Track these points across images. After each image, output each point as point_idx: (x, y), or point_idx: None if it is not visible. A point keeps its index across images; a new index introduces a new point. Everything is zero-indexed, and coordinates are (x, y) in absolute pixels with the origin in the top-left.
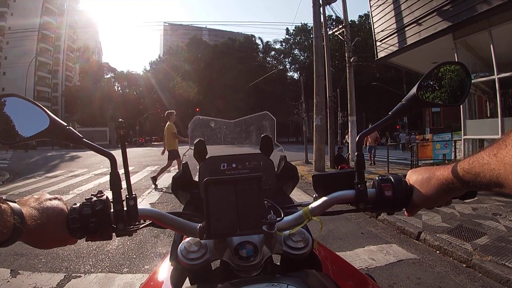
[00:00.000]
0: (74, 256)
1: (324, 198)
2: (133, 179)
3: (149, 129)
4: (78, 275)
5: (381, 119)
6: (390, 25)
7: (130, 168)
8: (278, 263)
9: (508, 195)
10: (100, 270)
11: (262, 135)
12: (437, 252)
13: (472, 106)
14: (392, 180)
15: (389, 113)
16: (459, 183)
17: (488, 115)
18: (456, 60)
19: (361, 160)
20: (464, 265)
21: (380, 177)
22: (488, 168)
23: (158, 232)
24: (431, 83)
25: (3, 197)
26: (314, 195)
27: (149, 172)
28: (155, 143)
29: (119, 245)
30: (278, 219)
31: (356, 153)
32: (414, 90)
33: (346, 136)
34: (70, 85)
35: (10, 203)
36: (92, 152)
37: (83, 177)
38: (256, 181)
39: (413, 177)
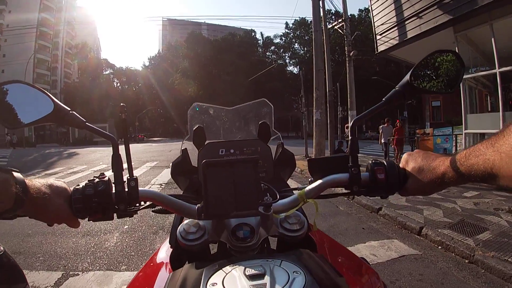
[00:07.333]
0: (72, 254)
1: (319, 181)
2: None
3: (148, 125)
4: (76, 273)
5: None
6: (390, 19)
7: None
8: (275, 248)
9: (509, 190)
10: (98, 268)
11: (260, 122)
12: (439, 247)
13: (473, 100)
14: (385, 164)
15: (383, 99)
16: (454, 176)
17: (489, 109)
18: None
19: (354, 144)
20: (466, 261)
21: (373, 161)
22: (483, 158)
23: (156, 228)
24: (425, 70)
25: (8, 167)
26: (309, 179)
27: (148, 168)
28: (155, 138)
29: (117, 242)
30: (274, 201)
31: (350, 138)
32: (407, 77)
33: (346, 130)
34: (69, 82)
35: (14, 173)
36: (91, 148)
37: (82, 174)
38: (253, 164)
39: (409, 163)
